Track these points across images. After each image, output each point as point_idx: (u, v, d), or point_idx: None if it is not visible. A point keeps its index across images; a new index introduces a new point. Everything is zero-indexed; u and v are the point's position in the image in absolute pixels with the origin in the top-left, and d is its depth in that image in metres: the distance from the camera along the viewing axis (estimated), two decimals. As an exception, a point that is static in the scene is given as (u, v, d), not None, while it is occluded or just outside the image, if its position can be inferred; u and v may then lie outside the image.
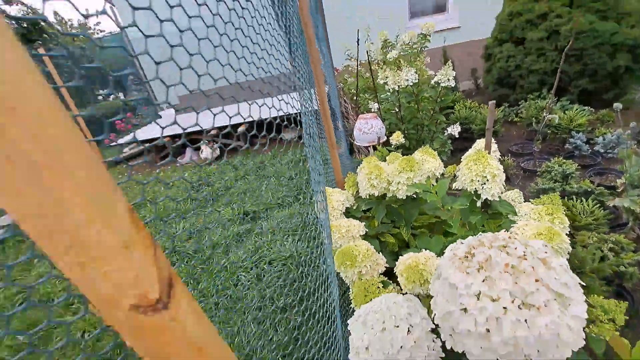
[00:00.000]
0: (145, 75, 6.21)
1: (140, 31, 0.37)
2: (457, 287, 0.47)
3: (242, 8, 0.68)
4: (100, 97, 9.21)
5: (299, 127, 0.93)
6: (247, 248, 2.49)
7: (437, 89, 2.42)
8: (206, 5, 0.52)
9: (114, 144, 5.06)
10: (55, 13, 9.69)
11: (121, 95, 9.33)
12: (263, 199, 3.24)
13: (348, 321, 0.69)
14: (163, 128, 0.45)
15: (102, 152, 5.54)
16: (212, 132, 4.48)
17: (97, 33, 11.03)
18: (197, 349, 0.26)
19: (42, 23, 9.41)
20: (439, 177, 1.21)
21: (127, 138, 5.19)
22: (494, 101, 1.03)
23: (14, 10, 9.22)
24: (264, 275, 2.24)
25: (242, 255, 2.43)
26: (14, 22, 8.53)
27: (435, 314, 0.51)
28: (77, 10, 0.33)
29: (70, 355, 1.82)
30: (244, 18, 0.69)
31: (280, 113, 0.84)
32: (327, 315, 0.99)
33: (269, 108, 0.76)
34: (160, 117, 4.76)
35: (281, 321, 1.84)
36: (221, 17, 0.61)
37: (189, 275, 2.35)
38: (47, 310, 2.20)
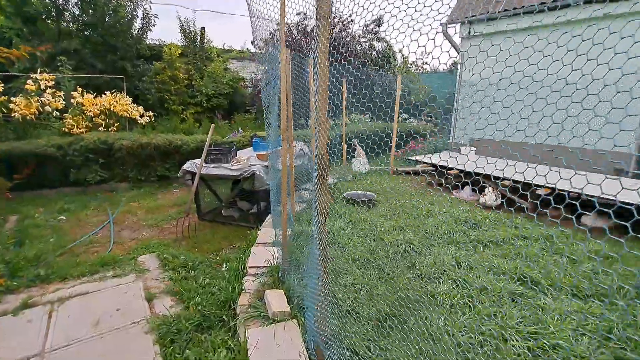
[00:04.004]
0: (453, 111, 6.85)
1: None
2: None
3: None
4: (400, 119, 11.16)
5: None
6: (523, 314, 2.23)
7: None
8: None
9: (406, 157, 5.94)
10: (400, 51, 12.62)
11: (412, 120, 10.81)
12: (548, 274, 2.78)
13: None
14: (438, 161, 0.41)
15: (396, 160, 6.70)
16: (505, 181, 4.31)
17: (420, 69, 13.29)
18: None
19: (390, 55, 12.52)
20: None
21: (417, 157, 5.94)
22: None
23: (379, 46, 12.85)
24: (540, 356, 1.93)
25: (516, 317, 2.21)
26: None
27: None
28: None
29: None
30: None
31: (590, 192, 0.66)
32: None
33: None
34: (459, 151, 5.10)
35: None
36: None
37: (458, 299, 2.40)
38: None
